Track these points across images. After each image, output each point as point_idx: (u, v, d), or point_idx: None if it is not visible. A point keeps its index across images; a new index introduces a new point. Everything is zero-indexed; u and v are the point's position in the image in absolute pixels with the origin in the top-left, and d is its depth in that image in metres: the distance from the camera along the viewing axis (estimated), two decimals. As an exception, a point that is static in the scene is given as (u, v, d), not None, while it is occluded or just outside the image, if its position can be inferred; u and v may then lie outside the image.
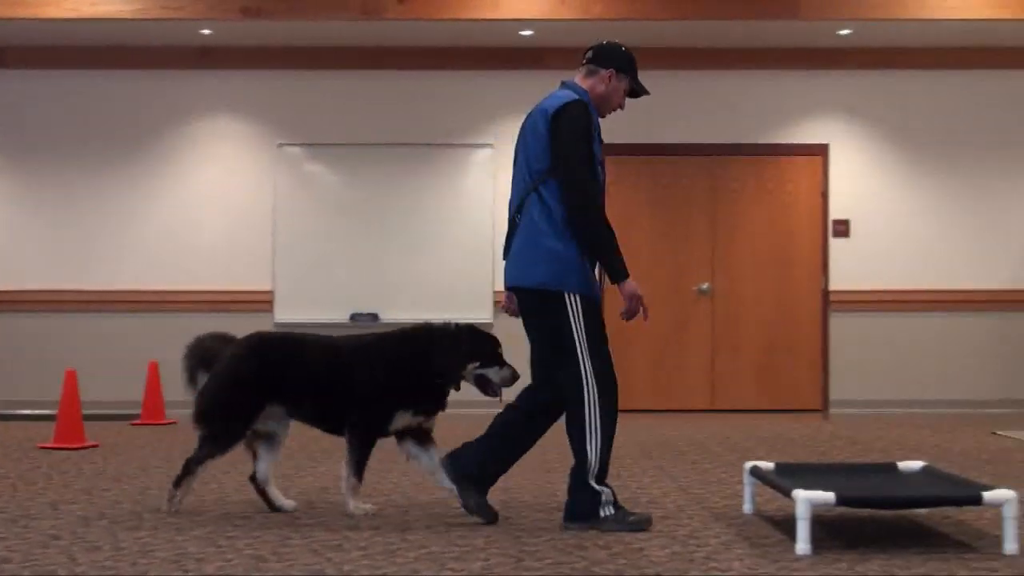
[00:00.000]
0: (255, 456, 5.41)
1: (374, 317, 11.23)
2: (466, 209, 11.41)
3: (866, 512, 5.04)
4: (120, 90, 11.37)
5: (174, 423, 9.99)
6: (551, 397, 5.00)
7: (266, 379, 5.27)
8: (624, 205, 11.42)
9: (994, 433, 9.18)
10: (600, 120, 5.04)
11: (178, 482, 5.32)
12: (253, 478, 5.40)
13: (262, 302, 11.27)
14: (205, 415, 5.35)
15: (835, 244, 11.33)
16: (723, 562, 4.17)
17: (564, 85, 5.15)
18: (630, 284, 4.85)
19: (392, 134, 11.36)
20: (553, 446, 7.81)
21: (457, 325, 5.29)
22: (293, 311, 11.26)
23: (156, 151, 11.38)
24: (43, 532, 4.77)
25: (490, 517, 4.94)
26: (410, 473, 6.70)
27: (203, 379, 5.48)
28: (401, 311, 11.20)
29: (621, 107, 5.24)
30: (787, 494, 4.52)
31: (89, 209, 11.34)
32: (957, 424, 9.93)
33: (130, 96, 11.37)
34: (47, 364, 10.84)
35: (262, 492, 5.37)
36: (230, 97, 11.41)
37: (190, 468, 5.31)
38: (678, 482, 6.28)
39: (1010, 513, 4.38)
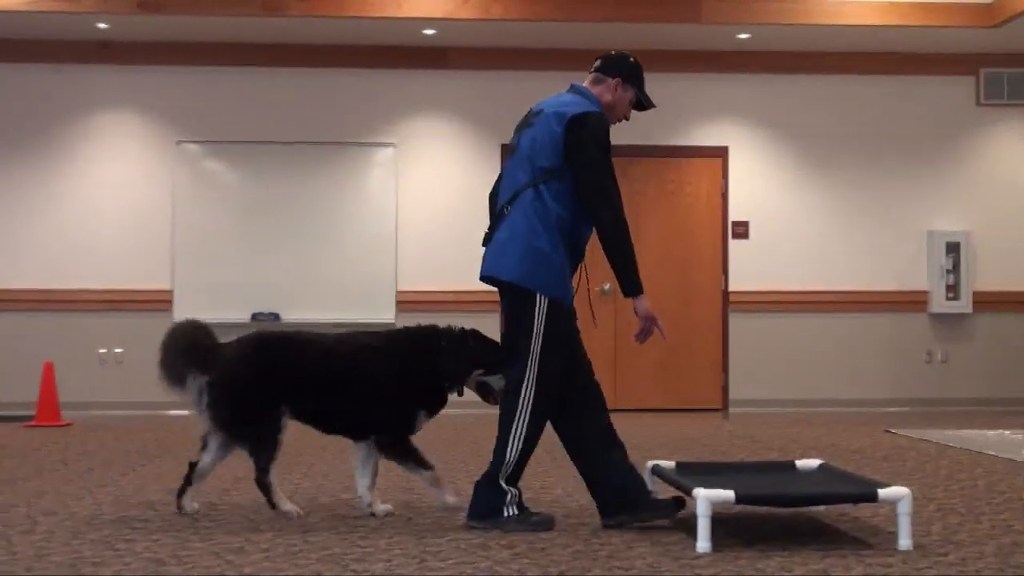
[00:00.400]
0: (204, 447, 5.23)
1: (276, 316, 11.12)
2: (368, 208, 11.33)
3: (765, 510, 5.04)
4: (14, 84, 11.12)
5: (70, 424, 9.82)
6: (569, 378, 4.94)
7: (275, 380, 5.10)
8: (527, 205, 11.47)
9: (888, 431, 9.31)
10: None
11: (271, 504, 5.11)
12: (193, 466, 5.22)
13: (161, 301, 11.07)
14: (239, 430, 5.14)
15: (734, 245, 11.44)
16: (625, 560, 4.15)
17: (573, 88, 5.08)
18: (644, 302, 4.83)
19: (294, 132, 11.25)
20: (458, 444, 7.80)
21: (463, 329, 5.22)
22: (192, 310, 10.99)
23: (51, 147, 11.14)
24: (-74, 538, 4.63)
25: (675, 506, 4.83)
26: (312, 475, 6.65)
27: (192, 376, 5.18)
28: (303, 311, 11.14)
29: (626, 118, 5.18)
30: (688, 493, 4.51)
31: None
32: (852, 423, 10.07)
33: (25, 90, 11.13)
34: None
35: (188, 483, 5.19)
36: (128, 93, 11.22)
37: (264, 483, 5.10)
38: (580, 482, 6.28)
39: (904, 510, 4.44)
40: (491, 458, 4.82)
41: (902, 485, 4.70)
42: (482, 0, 10.24)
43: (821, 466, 5.35)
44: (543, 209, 4.79)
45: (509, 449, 4.75)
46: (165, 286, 11.12)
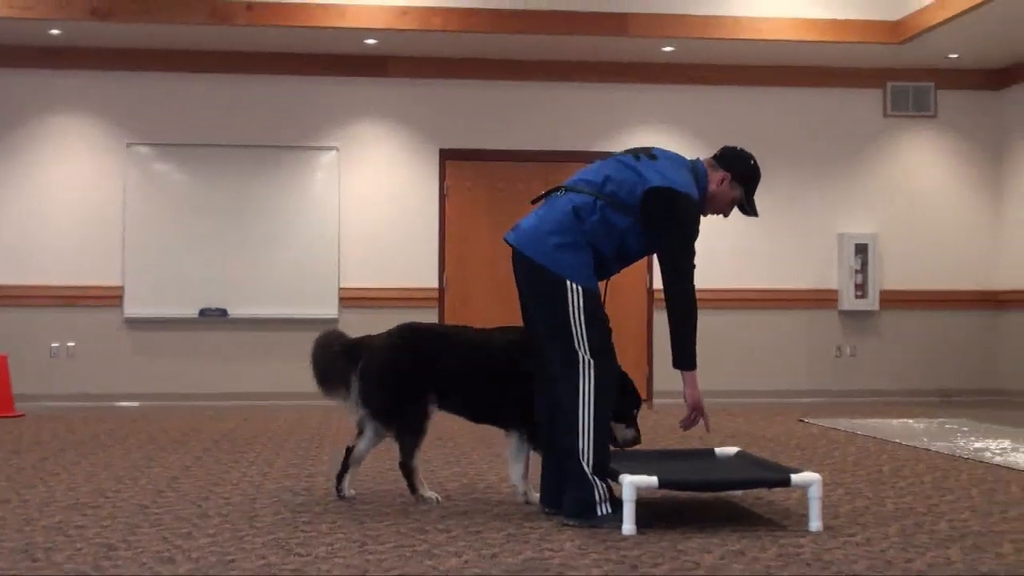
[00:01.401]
0: (360, 433, 5.17)
1: (223, 312, 11.04)
2: (312, 209, 11.27)
3: (687, 494, 5.05)
4: (-31, 87, 10.98)
5: (22, 415, 9.70)
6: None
7: (423, 370, 5.01)
8: (465, 206, 11.47)
9: (801, 420, 9.39)
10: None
11: (412, 488, 5.07)
12: (349, 451, 5.18)
13: (112, 297, 10.97)
14: (387, 415, 5.08)
15: (658, 246, 11.49)
16: (556, 543, 4.15)
17: (696, 163, 4.82)
18: (694, 385, 4.62)
19: (240, 136, 11.18)
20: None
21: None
22: (143, 306, 11.00)
23: (5, 149, 10.97)
24: None
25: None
26: (258, 463, 6.62)
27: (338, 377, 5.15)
28: (249, 307, 11.08)
29: (725, 214, 4.95)
30: (615, 478, 4.50)
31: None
32: (768, 413, 10.15)
33: (-20, 94, 11.00)
34: None
35: (345, 468, 5.17)
36: (80, 97, 11.08)
37: (408, 468, 5.06)
38: (433, 466, 6.31)
39: (815, 494, 4.47)
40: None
41: (813, 471, 4.73)
42: (421, 12, 10.24)
43: (738, 453, 5.36)
44: (588, 223, 4.55)
45: (581, 436, 4.47)
46: (116, 283, 11.00)
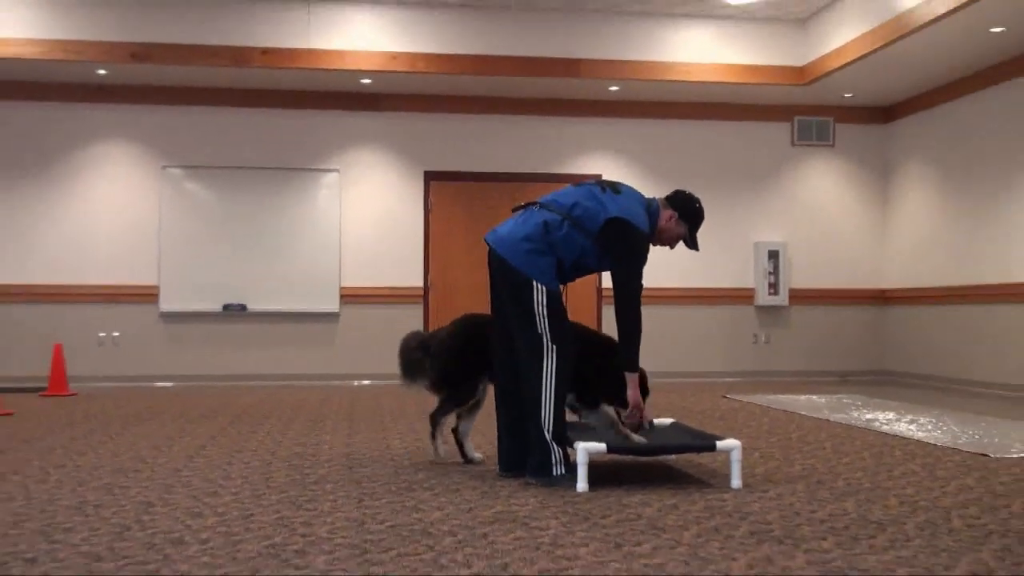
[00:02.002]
0: (459, 416, 5.14)
1: (243, 307, 10.99)
2: (317, 221, 11.22)
3: (629, 458, 5.09)
4: (29, 118, 10.82)
5: (75, 394, 9.64)
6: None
7: (478, 353, 4.96)
8: (445, 218, 11.46)
9: (724, 397, 9.43)
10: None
11: (432, 435, 5.13)
12: (455, 431, 5.16)
13: (149, 295, 10.90)
14: (440, 384, 5.08)
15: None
16: (522, 499, 4.16)
17: (652, 201, 4.78)
18: (633, 386, 4.57)
19: (257, 159, 11.12)
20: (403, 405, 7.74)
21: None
22: (175, 302, 10.94)
23: (60, 170, 10.87)
24: (-39, 487, 4.53)
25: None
26: (272, 433, 6.58)
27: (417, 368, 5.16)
28: (265, 302, 11.04)
29: (671, 247, 4.88)
30: (570, 445, 4.52)
31: (6, 217, 10.78)
32: (697, 390, 10.17)
33: (37, 123, 10.84)
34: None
35: (460, 444, 5.15)
36: (122, 127, 10.99)
37: (434, 420, 5.12)
38: (488, 439, 6.31)
39: (736, 457, 4.52)
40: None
41: (734, 438, 4.76)
42: (409, 57, 10.22)
43: (672, 424, 5.38)
44: (564, 239, 4.55)
45: (543, 408, 4.48)
46: (152, 282, 10.92)
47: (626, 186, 4.78)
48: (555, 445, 4.50)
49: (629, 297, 4.55)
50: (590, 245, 4.58)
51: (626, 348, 4.57)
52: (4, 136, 10.84)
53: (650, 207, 4.74)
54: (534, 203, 4.74)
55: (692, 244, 4.87)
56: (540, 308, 4.50)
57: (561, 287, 4.66)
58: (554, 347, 4.50)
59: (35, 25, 9.78)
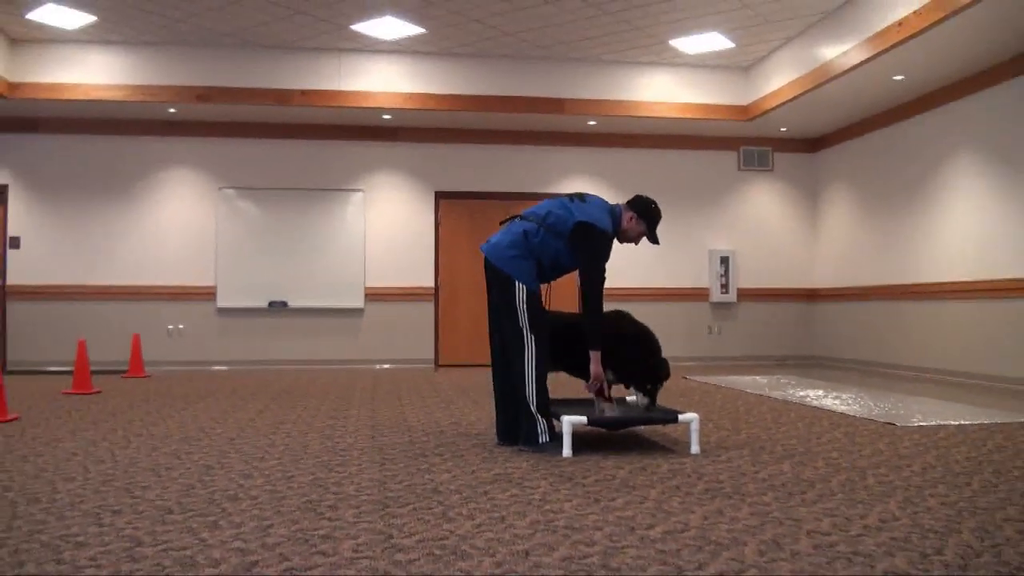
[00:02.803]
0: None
1: (285, 304, 10.99)
2: (346, 232, 11.21)
3: (605, 430, 5.08)
4: (112, 149, 10.81)
5: (149, 376, 9.65)
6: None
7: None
8: (452, 231, 11.46)
9: (684, 378, 9.45)
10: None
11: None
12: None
13: (208, 293, 10.89)
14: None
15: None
16: (516, 463, 4.15)
17: (615, 207, 4.73)
18: (596, 362, 4.48)
19: (296, 181, 11.12)
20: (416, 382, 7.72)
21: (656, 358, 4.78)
22: (229, 300, 10.93)
23: (136, 191, 10.87)
24: (66, 451, 4.51)
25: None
26: (308, 409, 6.58)
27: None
28: (303, 300, 11.03)
29: (635, 243, 4.80)
30: (557, 418, 4.53)
31: (95, 229, 10.78)
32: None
33: (119, 153, 10.83)
34: (65, 335, 10.44)
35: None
36: (187, 155, 10.99)
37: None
38: (486, 411, 6.33)
39: (695, 428, 4.51)
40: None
41: (693, 412, 4.79)
42: (422, 97, 10.22)
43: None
44: (542, 245, 4.56)
45: (527, 385, 4.47)
46: (211, 283, 10.92)
47: (592, 196, 4.76)
48: (540, 416, 4.50)
49: (593, 287, 4.53)
50: (563, 247, 4.58)
51: (591, 330, 4.52)
52: (92, 164, 10.83)
53: (613, 211, 4.72)
54: (517, 215, 4.76)
55: (653, 239, 4.82)
56: (521, 304, 4.51)
57: (544, 286, 4.67)
58: (532, 336, 4.50)
59: (119, 73, 9.78)
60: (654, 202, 4.80)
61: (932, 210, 9.55)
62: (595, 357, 4.54)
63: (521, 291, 4.52)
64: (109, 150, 10.86)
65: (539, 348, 4.50)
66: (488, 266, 4.68)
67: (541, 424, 4.51)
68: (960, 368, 8.99)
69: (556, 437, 4.49)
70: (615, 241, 4.72)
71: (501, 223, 4.86)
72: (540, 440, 4.50)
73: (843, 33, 8.62)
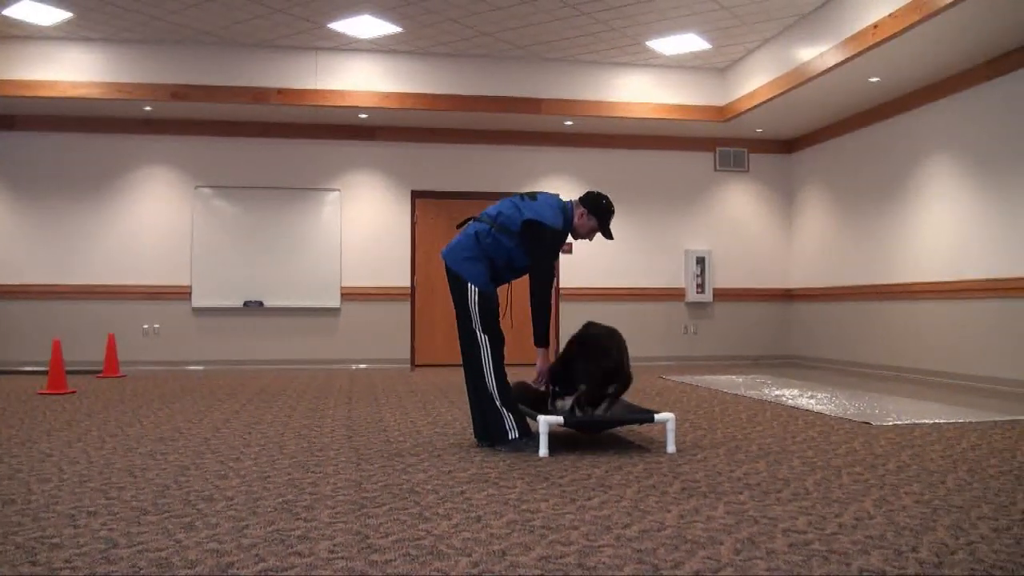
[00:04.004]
0: None
1: (260, 303, 10.93)
2: (322, 231, 11.16)
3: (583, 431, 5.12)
4: (87, 146, 10.71)
5: (124, 376, 9.57)
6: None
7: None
8: (429, 230, 11.44)
9: (661, 377, 9.49)
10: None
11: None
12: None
13: (183, 293, 10.81)
14: None
15: (564, 258, 11.44)
16: (493, 463, 4.16)
17: (568, 203, 4.72)
18: (546, 360, 4.58)
19: (273, 180, 11.05)
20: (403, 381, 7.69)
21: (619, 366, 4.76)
22: (204, 299, 10.85)
23: (112, 189, 10.76)
24: (41, 452, 4.47)
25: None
26: (284, 409, 6.55)
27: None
28: (278, 299, 10.97)
29: (588, 238, 4.80)
30: (534, 419, 4.54)
31: (70, 228, 10.66)
32: (638, 372, 10.07)
33: (94, 151, 10.72)
34: (40, 335, 10.34)
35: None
36: (163, 153, 10.90)
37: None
38: (463, 411, 6.33)
39: (671, 427, 4.54)
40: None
41: (669, 411, 4.81)
42: (399, 95, 10.20)
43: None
44: (492, 245, 4.58)
45: (489, 383, 4.52)
46: (186, 283, 10.83)
47: (543, 193, 4.75)
48: (505, 411, 4.52)
49: (543, 284, 4.52)
50: (515, 246, 4.58)
51: (540, 326, 4.50)
52: (67, 161, 10.72)
53: (565, 208, 4.70)
54: (472, 217, 4.78)
55: (606, 234, 4.80)
56: (474, 305, 4.54)
57: (499, 288, 4.68)
58: (485, 336, 4.53)
59: (95, 70, 9.69)
60: (605, 197, 4.78)
61: (907, 211, 9.64)
62: (543, 353, 4.58)
63: (473, 292, 4.55)
64: (85, 148, 10.75)
65: (493, 347, 4.53)
66: (446, 269, 4.71)
67: (508, 420, 4.53)
68: (934, 368, 9.08)
69: (528, 433, 4.51)
70: (579, 240, 4.75)
71: (458, 226, 4.88)
72: (510, 436, 4.52)
73: (819, 35, 8.69)
